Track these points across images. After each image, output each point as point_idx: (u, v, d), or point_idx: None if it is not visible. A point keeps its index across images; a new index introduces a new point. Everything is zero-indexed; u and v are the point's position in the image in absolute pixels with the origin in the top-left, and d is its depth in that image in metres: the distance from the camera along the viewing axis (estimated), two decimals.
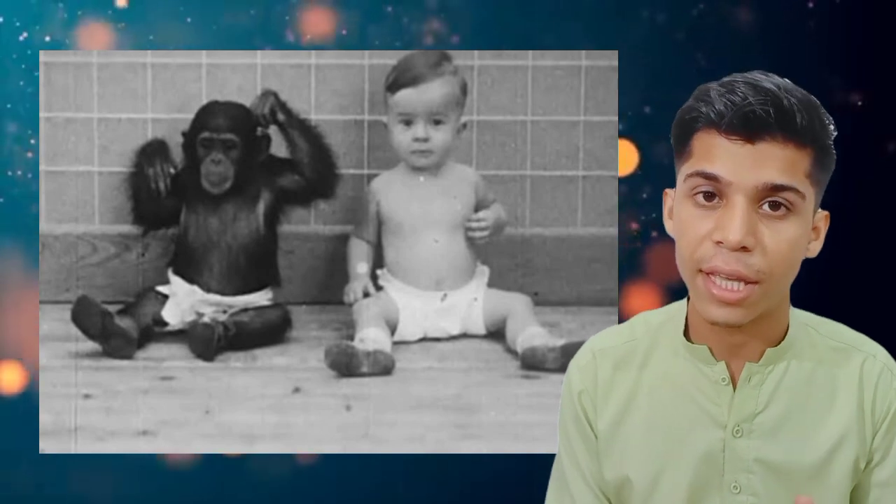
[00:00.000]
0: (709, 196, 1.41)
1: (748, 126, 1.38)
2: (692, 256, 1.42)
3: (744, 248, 1.39)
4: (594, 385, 1.57)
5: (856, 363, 1.53)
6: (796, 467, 1.50)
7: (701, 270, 1.42)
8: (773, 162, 1.39)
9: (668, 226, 1.51)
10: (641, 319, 1.60)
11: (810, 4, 2.54)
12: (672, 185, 1.50)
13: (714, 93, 1.41)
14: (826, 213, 1.48)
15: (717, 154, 1.40)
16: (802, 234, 1.43)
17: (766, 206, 1.40)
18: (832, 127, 1.44)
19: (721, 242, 1.40)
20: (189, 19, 2.58)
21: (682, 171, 1.45)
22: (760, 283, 1.41)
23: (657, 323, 1.57)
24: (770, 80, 1.41)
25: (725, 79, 1.43)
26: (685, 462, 1.52)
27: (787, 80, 1.43)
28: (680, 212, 1.45)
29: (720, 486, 1.52)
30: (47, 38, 2.57)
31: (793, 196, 1.40)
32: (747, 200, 1.39)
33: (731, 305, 1.42)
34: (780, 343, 1.50)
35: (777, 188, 1.39)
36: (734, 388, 1.51)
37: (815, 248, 1.47)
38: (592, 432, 1.58)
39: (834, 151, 1.44)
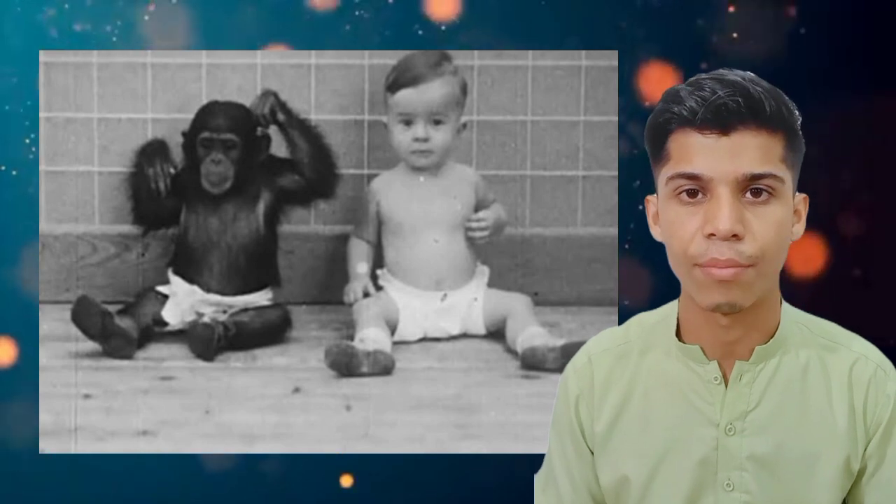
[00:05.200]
0: (692, 193, 1.45)
1: (720, 119, 1.42)
2: (686, 253, 1.45)
3: (735, 237, 1.42)
4: (590, 388, 1.58)
5: (846, 362, 1.53)
6: (788, 464, 1.51)
7: (696, 265, 1.44)
8: (749, 151, 1.43)
9: (655, 231, 1.54)
10: (636, 321, 1.62)
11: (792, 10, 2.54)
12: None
13: (683, 92, 1.45)
14: (805, 195, 1.51)
15: (695, 152, 1.43)
16: (786, 216, 1.46)
17: (748, 195, 1.44)
18: (797, 113, 1.47)
19: (713, 234, 1.42)
20: (189, 19, 2.58)
21: (662, 175, 1.48)
22: (753, 266, 1.44)
23: (651, 324, 1.59)
24: (735, 74, 1.46)
25: (691, 79, 1.47)
26: (679, 461, 1.53)
27: (750, 73, 1.47)
28: (667, 214, 1.48)
29: (714, 484, 1.52)
30: (47, 38, 2.57)
31: (772, 181, 1.44)
32: (730, 191, 1.43)
33: (730, 284, 1.43)
34: (770, 340, 1.51)
35: (756, 177, 1.43)
36: (726, 386, 1.52)
37: (798, 231, 1.51)
38: (585, 441, 1.59)
39: (801, 135, 1.48)
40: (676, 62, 2.53)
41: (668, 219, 1.47)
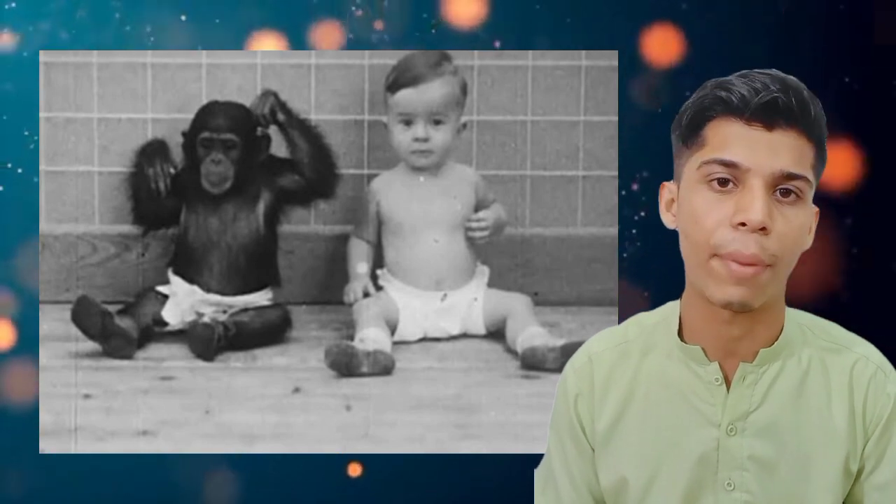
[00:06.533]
0: (723, 182, 1.45)
1: (770, 113, 1.43)
2: (708, 242, 1.45)
3: (763, 230, 1.42)
4: (591, 388, 1.58)
5: (847, 364, 1.54)
6: (788, 465, 1.52)
7: (716, 255, 1.44)
8: (787, 151, 1.44)
9: (667, 218, 1.54)
10: (635, 321, 1.62)
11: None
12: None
13: (735, 80, 1.46)
14: (817, 209, 1.52)
15: (734, 141, 1.44)
16: (807, 221, 1.47)
17: (777, 193, 1.44)
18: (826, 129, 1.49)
19: (743, 224, 1.42)
20: (188, 19, 2.58)
21: (694, 160, 1.47)
22: (772, 267, 1.44)
23: (651, 324, 1.59)
24: (784, 74, 1.47)
25: (741, 71, 1.48)
26: (680, 461, 1.53)
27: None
28: (692, 199, 1.47)
29: (714, 484, 1.53)
30: (47, 38, 2.57)
31: (802, 184, 1.45)
32: (764, 184, 1.43)
33: (745, 284, 1.44)
34: (774, 342, 1.52)
35: (791, 176, 1.44)
36: (727, 387, 1.52)
37: (808, 241, 1.51)
38: (585, 438, 1.59)
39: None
40: (676, 62, 2.53)
41: (692, 205, 1.47)
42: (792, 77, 1.46)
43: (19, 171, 2.58)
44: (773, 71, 1.47)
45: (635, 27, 2.54)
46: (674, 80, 2.50)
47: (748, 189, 1.43)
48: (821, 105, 1.47)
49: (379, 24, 2.51)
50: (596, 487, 1.60)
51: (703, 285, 1.47)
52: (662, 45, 2.51)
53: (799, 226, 1.45)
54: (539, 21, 2.59)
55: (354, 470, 2.54)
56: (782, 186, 1.44)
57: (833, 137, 1.51)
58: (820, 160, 1.47)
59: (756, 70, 1.47)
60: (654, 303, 1.62)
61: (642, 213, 2.56)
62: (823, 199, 1.54)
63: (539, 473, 1.67)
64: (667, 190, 1.54)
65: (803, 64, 2.44)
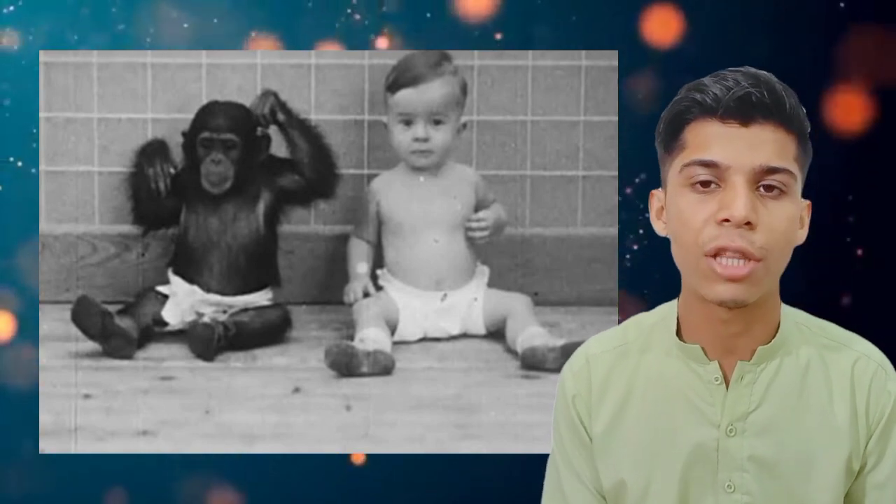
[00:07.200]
0: (705, 183, 1.45)
1: (744, 109, 1.43)
2: (696, 241, 1.45)
3: (748, 225, 1.43)
4: (588, 390, 1.58)
5: (848, 362, 1.54)
6: (789, 465, 1.51)
7: (706, 254, 1.44)
8: (767, 145, 1.44)
9: (658, 226, 1.54)
10: (634, 322, 1.61)
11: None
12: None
13: (707, 81, 1.46)
14: (808, 202, 1.52)
15: (713, 141, 1.44)
16: (795, 214, 1.47)
17: (761, 189, 1.44)
18: (808, 121, 1.49)
19: (727, 220, 1.43)
20: (188, 19, 2.58)
21: (676, 164, 1.48)
22: (763, 261, 1.44)
23: (649, 324, 1.59)
24: (756, 70, 1.47)
25: (715, 72, 1.48)
26: (679, 462, 1.53)
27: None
28: (678, 203, 1.47)
29: (714, 485, 1.52)
30: (47, 38, 2.57)
31: (785, 177, 1.45)
32: (746, 181, 1.43)
33: (738, 282, 1.44)
34: (771, 340, 1.52)
35: (772, 170, 1.44)
36: (727, 387, 1.52)
37: (801, 235, 1.51)
38: (587, 435, 1.59)
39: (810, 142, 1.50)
40: (677, 62, 2.53)
41: (678, 208, 1.47)
42: (765, 72, 1.47)
43: (19, 164, 2.58)
44: (746, 68, 1.47)
45: (635, 13, 2.54)
46: (674, 71, 2.50)
47: (730, 186, 1.43)
48: (797, 97, 1.47)
49: (383, 43, 2.52)
50: (600, 484, 1.60)
51: (698, 286, 1.48)
52: (663, 28, 2.50)
53: (786, 219, 1.45)
54: (539, 21, 2.59)
55: (358, 457, 2.54)
56: (765, 182, 1.44)
57: (834, 136, 1.51)
58: (803, 152, 1.47)
59: (729, 69, 1.47)
60: (655, 303, 1.62)
61: (644, 214, 2.56)
62: (825, 197, 1.54)
63: (546, 486, 1.66)
64: (656, 198, 1.54)
65: (803, 63, 2.45)
